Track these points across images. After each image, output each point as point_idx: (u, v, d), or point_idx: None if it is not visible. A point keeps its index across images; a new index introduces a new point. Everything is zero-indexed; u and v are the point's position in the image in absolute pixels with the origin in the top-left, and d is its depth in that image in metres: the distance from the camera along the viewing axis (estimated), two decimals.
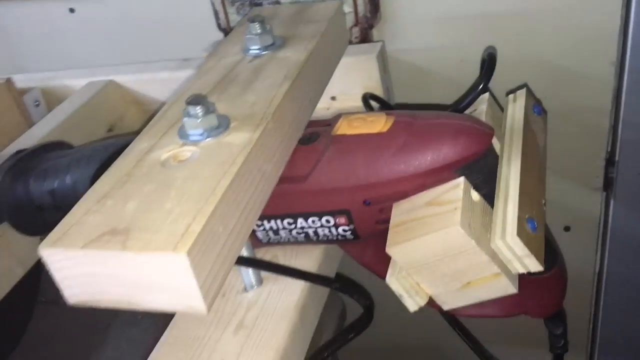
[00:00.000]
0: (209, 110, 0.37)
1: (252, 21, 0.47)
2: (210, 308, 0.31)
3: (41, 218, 0.52)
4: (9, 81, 0.71)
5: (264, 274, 0.45)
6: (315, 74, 0.47)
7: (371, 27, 0.73)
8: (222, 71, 0.45)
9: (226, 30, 0.78)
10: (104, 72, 0.74)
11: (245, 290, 0.45)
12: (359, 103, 0.64)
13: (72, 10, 0.84)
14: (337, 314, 0.88)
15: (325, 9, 0.52)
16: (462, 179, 0.38)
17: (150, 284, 0.30)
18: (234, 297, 0.44)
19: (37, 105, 0.75)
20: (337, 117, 0.44)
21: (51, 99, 0.76)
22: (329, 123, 0.44)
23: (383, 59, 0.66)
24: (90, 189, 0.35)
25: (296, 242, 0.45)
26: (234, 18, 0.76)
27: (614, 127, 0.70)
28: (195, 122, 0.37)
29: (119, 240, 0.30)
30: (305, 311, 0.43)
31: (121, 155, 0.37)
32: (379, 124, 0.41)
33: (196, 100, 0.37)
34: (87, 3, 0.83)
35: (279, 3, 0.74)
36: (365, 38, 0.73)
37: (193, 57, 0.75)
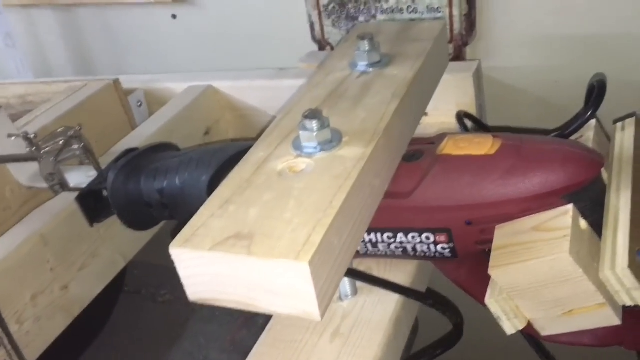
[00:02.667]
0: (324, 125, 0.39)
1: (362, 38, 0.48)
2: (324, 315, 0.32)
3: (148, 214, 0.55)
4: (116, 82, 0.75)
5: (359, 284, 0.47)
6: (420, 93, 0.48)
7: (466, 44, 0.73)
8: (331, 86, 0.47)
9: (321, 42, 0.80)
10: (203, 78, 0.77)
11: (341, 299, 0.46)
12: (450, 119, 0.65)
13: (174, 17, 0.89)
14: (410, 330, 0.88)
15: (431, 29, 0.53)
16: (570, 206, 0.38)
17: (269, 288, 0.32)
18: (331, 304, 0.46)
19: (140, 106, 0.80)
20: (442, 136, 0.45)
21: (152, 100, 0.80)
22: (433, 142, 0.45)
23: (478, 78, 0.66)
24: (213, 194, 0.37)
25: (392, 256, 0.46)
26: (329, 30, 0.79)
27: None
28: (311, 136, 0.39)
29: (244, 245, 0.32)
30: (398, 324, 0.44)
31: (240, 163, 0.40)
32: (486, 146, 0.41)
33: (312, 114, 0.39)
34: (188, 10, 0.87)
35: (375, 18, 0.76)
36: (459, 55, 0.73)
37: (288, 66, 0.78)
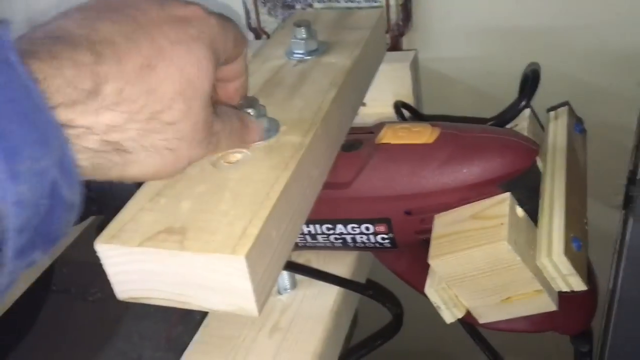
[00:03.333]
0: (260, 113, 0.37)
1: (299, 25, 0.47)
2: (261, 311, 0.31)
3: None
4: None
5: (298, 277, 0.46)
6: (359, 81, 0.47)
7: (402, 34, 0.73)
8: (267, 74, 0.45)
9: (256, 31, 0.78)
10: None
11: (279, 293, 0.45)
12: (388, 109, 0.64)
13: None
14: (350, 322, 0.88)
15: (369, 17, 0.52)
16: (508, 195, 0.38)
17: (204, 284, 0.31)
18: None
19: None
20: (380, 125, 0.44)
21: None
22: (372, 131, 0.44)
23: (415, 68, 0.66)
24: (142, 186, 0.35)
25: (332, 247, 0.45)
26: (265, 19, 0.77)
27: (638, 147, 0.70)
28: None
29: (176, 240, 0.30)
30: (338, 317, 0.44)
31: None
32: (425, 135, 0.41)
33: (248, 102, 0.37)
34: None
35: (311, 6, 0.75)
36: (395, 45, 0.73)
37: None
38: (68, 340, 0.82)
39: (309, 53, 0.47)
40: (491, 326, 0.45)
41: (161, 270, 0.31)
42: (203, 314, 0.88)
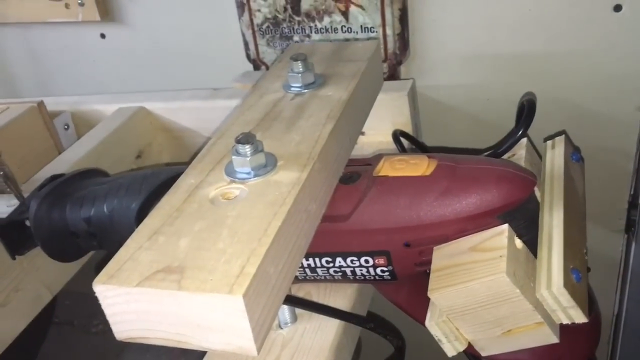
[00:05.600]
0: (257, 149, 0.38)
1: (295, 59, 0.47)
2: (260, 349, 0.31)
3: (74, 245, 0.52)
4: (40, 104, 0.72)
5: (298, 310, 0.46)
6: (356, 113, 0.48)
7: (400, 63, 0.74)
8: (265, 108, 0.46)
9: (256, 62, 0.79)
10: (135, 99, 0.75)
11: (280, 327, 0.45)
12: (387, 138, 0.65)
13: (103, 36, 0.86)
14: (352, 354, 0.87)
15: (364, 48, 0.53)
16: (506, 226, 0.38)
17: (202, 323, 0.31)
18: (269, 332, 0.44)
19: (67, 129, 0.76)
20: (378, 157, 0.44)
21: (80, 122, 0.77)
22: (369, 163, 0.44)
23: (413, 96, 0.67)
24: (141, 224, 0.35)
25: (332, 280, 0.45)
26: (264, 50, 0.78)
27: (638, 171, 0.70)
28: (244, 161, 0.37)
29: (173, 279, 0.30)
30: (339, 350, 0.43)
31: (170, 190, 0.38)
32: (422, 167, 0.41)
33: (245, 139, 0.38)
34: (118, 29, 0.85)
35: (309, 37, 0.75)
36: (393, 74, 0.74)
37: (222, 87, 0.76)
38: None
39: (306, 86, 0.48)
40: (494, 358, 0.44)
41: (159, 310, 0.31)
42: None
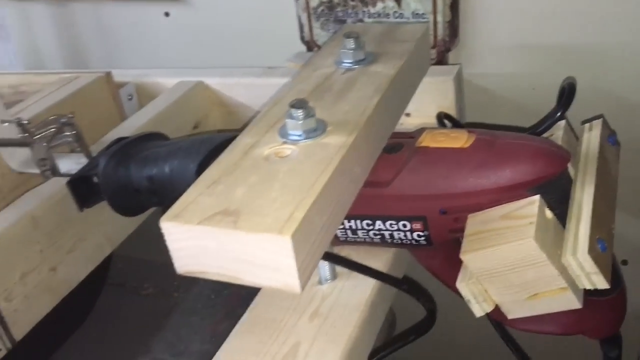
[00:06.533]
0: (309, 114, 0.41)
1: (348, 37, 0.51)
2: (304, 289, 0.34)
3: (136, 200, 0.57)
4: (108, 74, 0.77)
5: (338, 269, 0.49)
6: (401, 90, 0.50)
7: (448, 50, 0.76)
8: (317, 81, 0.49)
9: (309, 43, 0.83)
10: (194, 73, 0.79)
11: (320, 283, 0.48)
12: (431, 120, 0.67)
13: (167, 14, 0.91)
14: (388, 323, 0.90)
15: (414, 31, 0.56)
16: (537, 197, 0.41)
17: (253, 261, 0.34)
18: (309, 288, 0.48)
19: (130, 99, 0.81)
20: (421, 130, 0.47)
21: (142, 93, 0.82)
22: (412, 136, 0.47)
23: (459, 82, 0.69)
24: (201, 175, 0.39)
25: (371, 243, 0.48)
26: (318, 32, 0.81)
27: None
28: (297, 124, 0.41)
29: (230, 220, 0.34)
30: (374, 308, 0.47)
31: (228, 148, 0.42)
32: (461, 140, 0.44)
33: (299, 103, 0.41)
34: (181, 8, 0.89)
35: (362, 21, 0.78)
36: (441, 60, 0.76)
37: (276, 65, 0.80)
38: (121, 330, 0.87)
39: (357, 62, 0.51)
40: (521, 327, 0.47)
41: (216, 247, 0.35)
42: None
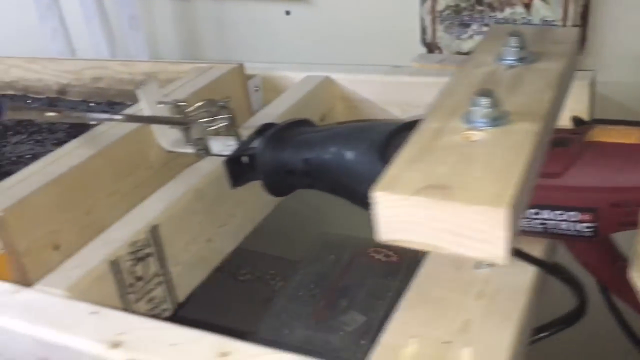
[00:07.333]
0: (495, 102, 0.44)
1: (512, 35, 0.53)
2: (506, 261, 0.37)
3: (288, 181, 0.61)
4: (241, 66, 0.82)
5: None
6: (563, 88, 0.52)
7: None
8: (482, 76, 0.52)
9: (430, 45, 0.85)
10: (320, 69, 0.83)
11: (477, 267, 0.51)
12: (565, 123, 0.69)
13: (288, 13, 0.95)
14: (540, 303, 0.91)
15: (567, 33, 0.58)
16: None
17: (461, 232, 0.37)
18: (468, 272, 0.50)
19: (256, 91, 0.86)
20: (589, 127, 0.49)
21: (267, 86, 0.86)
22: (578, 132, 0.49)
23: (593, 87, 0.70)
24: (399, 155, 0.42)
25: (530, 232, 0.50)
26: (441, 35, 0.84)
27: None
28: (483, 111, 0.43)
29: (444, 193, 0.37)
30: (534, 293, 0.48)
31: (415, 133, 0.45)
32: (634, 136, 0.46)
33: (485, 92, 0.44)
34: (303, 7, 0.94)
35: (487, 26, 0.81)
36: None
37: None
38: (222, 314, 0.91)
39: (520, 60, 0.53)
40: None
41: (425, 218, 0.37)
42: (349, 301, 0.96)
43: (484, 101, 0.44)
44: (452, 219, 0.37)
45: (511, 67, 0.53)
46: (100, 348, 0.40)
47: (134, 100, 0.89)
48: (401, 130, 0.50)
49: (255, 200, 0.66)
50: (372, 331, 0.91)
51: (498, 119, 0.44)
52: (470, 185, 0.37)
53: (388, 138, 0.50)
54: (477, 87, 0.50)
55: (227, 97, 0.65)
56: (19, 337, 0.43)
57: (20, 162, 0.79)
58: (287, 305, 0.98)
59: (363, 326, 0.91)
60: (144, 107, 0.66)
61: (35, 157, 0.79)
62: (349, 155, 0.55)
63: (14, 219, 0.52)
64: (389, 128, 0.53)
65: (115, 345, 0.40)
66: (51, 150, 0.79)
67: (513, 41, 0.53)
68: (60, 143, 0.80)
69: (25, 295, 0.46)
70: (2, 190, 0.55)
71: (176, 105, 0.65)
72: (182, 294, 0.57)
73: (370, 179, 0.50)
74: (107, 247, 0.50)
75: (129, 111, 0.71)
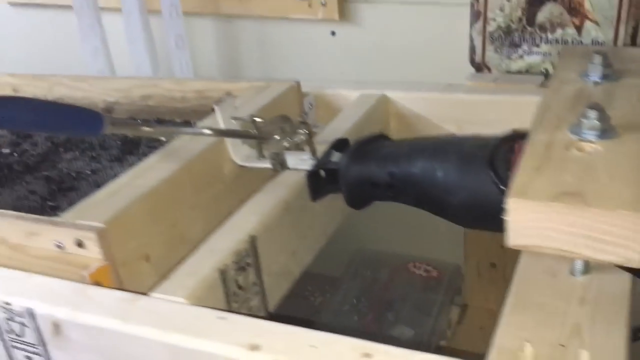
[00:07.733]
0: (603, 116, 0.46)
1: (597, 53, 0.56)
2: None
3: (370, 193, 0.62)
4: (298, 84, 0.83)
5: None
6: None
7: None
8: (573, 92, 0.54)
9: (479, 65, 0.88)
10: (373, 86, 0.85)
11: (573, 274, 0.52)
12: None
13: (333, 34, 0.98)
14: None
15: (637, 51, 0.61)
16: None
17: (597, 236, 0.38)
18: (565, 279, 0.52)
19: (310, 108, 0.87)
20: None
21: (319, 104, 0.88)
22: None
23: None
24: (520, 165, 0.44)
25: None
26: (490, 55, 0.87)
27: None
28: (592, 124, 0.46)
29: (578, 200, 0.39)
30: (632, 300, 0.50)
31: (527, 144, 0.46)
32: None
33: (596, 106, 0.46)
34: (348, 28, 0.96)
35: (538, 47, 0.84)
36: None
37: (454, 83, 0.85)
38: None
39: (605, 77, 0.56)
40: None
41: (559, 223, 0.39)
42: (396, 315, 0.97)
43: (593, 114, 0.46)
44: (587, 224, 0.38)
45: (596, 83, 0.56)
46: (238, 351, 0.40)
47: (183, 117, 0.90)
48: (500, 144, 0.52)
49: (328, 213, 0.67)
50: (423, 345, 0.92)
51: (607, 131, 0.46)
52: (602, 192, 0.39)
53: (493, 151, 0.52)
54: (571, 102, 0.53)
55: (304, 113, 0.67)
56: (149, 343, 0.43)
57: (81, 178, 0.79)
58: (334, 319, 0.99)
59: (412, 339, 0.93)
60: (220, 122, 0.67)
61: (94, 172, 0.79)
62: (446, 168, 0.56)
63: (113, 231, 0.52)
64: (486, 142, 0.55)
65: (254, 347, 0.41)
66: (108, 167, 0.80)
67: (597, 59, 0.56)
68: (114, 159, 0.81)
69: (144, 302, 0.47)
70: (97, 203, 0.55)
71: (253, 121, 0.67)
72: (272, 304, 0.58)
73: (476, 190, 0.53)
74: (214, 256, 0.51)
75: (199, 126, 0.72)
